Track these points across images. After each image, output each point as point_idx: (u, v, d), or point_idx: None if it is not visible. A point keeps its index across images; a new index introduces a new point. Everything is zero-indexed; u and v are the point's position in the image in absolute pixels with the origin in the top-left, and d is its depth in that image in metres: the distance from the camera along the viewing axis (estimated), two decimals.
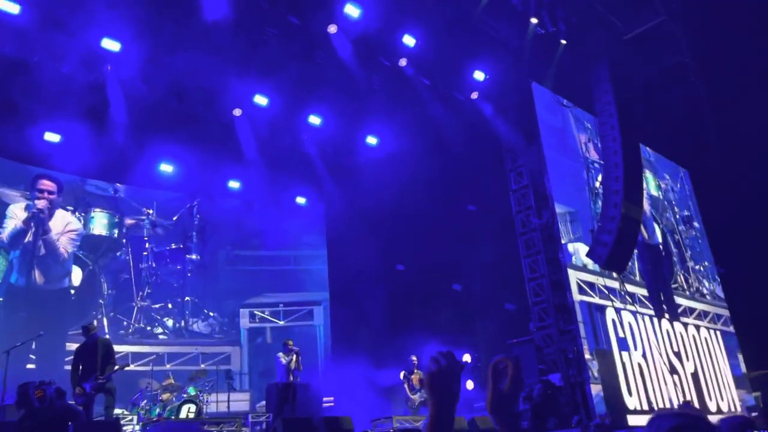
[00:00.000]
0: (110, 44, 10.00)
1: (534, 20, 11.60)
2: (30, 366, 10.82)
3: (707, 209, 17.21)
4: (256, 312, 14.21)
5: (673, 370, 12.83)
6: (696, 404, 12.89)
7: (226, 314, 13.94)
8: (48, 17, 9.45)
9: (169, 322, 13.26)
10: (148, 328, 12.96)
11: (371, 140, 14.05)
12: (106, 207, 13.05)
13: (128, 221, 13.27)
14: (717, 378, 14.15)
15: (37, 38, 9.74)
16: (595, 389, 11.05)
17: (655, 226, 15.00)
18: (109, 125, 11.34)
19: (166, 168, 13.13)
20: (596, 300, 12.18)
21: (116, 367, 8.50)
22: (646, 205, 14.00)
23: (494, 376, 1.69)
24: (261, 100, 12.02)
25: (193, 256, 13.81)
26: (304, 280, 15.09)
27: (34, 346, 9.91)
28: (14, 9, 9.07)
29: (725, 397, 14.08)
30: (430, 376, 1.67)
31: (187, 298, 13.55)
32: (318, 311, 14.83)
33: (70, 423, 6.65)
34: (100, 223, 12.84)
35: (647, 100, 14.39)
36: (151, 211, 13.48)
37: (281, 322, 14.38)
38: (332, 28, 10.84)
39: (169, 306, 13.38)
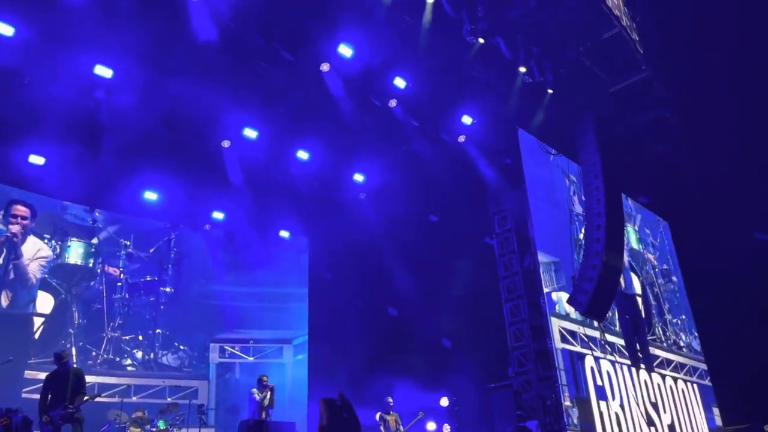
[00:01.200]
0: (103, 71, 10.03)
1: (522, 69, 11.88)
2: None
3: (687, 262, 17.44)
4: (226, 347, 14.21)
5: (650, 422, 12.77)
6: None
7: (196, 348, 13.88)
8: (42, 41, 9.46)
9: (139, 354, 13.14)
10: (117, 359, 12.81)
11: (358, 177, 14.13)
12: (83, 236, 13.04)
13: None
14: (693, 431, 14.11)
15: (29, 61, 9.73)
16: None
17: (634, 277, 15.16)
18: (96, 150, 11.28)
19: (151, 196, 13.06)
20: (578, 348, 12.20)
21: (86, 398, 8.24)
22: (625, 256, 14.16)
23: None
24: (250, 133, 12.07)
25: (167, 289, 13.83)
26: (279, 317, 15.08)
27: None
28: (8, 31, 9.08)
29: None
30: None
31: (158, 330, 13.49)
32: (287, 349, 14.85)
33: None
34: (76, 252, 12.85)
35: (630, 152, 14.72)
36: (128, 243, 13.53)
37: (251, 359, 14.37)
38: (325, 67, 10.99)
39: (140, 338, 13.29)
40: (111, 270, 13.25)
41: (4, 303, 11.58)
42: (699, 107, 14.43)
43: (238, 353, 14.30)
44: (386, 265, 14.96)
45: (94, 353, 12.53)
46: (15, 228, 11.76)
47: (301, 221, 15.07)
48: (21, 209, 11.99)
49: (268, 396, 9.90)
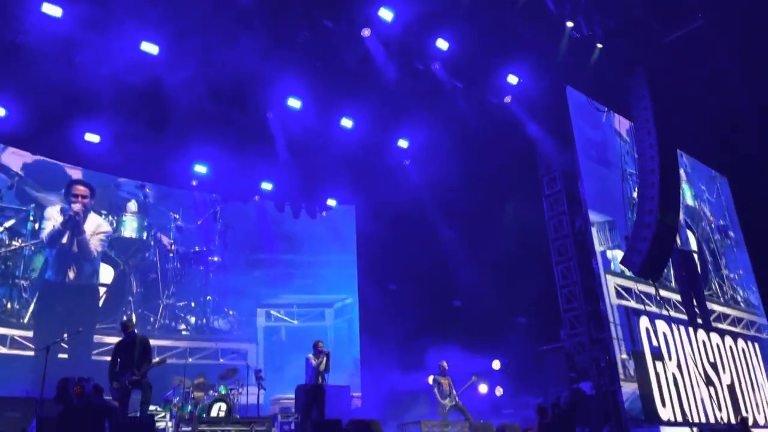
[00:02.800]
0: (149, 47, 10.19)
1: (570, 24, 11.46)
2: (62, 356, 11.44)
3: (746, 216, 16.89)
4: (272, 312, 14.98)
5: (709, 382, 12.57)
6: (732, 417, 12.61)
7: (244, 313, 14.59)
8: (89, 20, 9.63)
9: (192, 320, 14.00)
10: (173, 324, 13.71)
11: (403, 143, 14.04)
12: (136, 211, 13.78)
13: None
14: (754, 390, 13.84)
15: (78, 41, 9.94)
16: (632, 387, 11.05)
17: (690, 234, 14.77)
18: (147, 126, 11.59)
19: (201, 169, 13.39)
20: (633, 304, 12.06)
21: (155, 361, 8.64)
22: (681, 214, 13.75)
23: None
24: (294, 102, 12.11)
25: (215, 258, 14.53)
26: (321, 282, 15.52)
27: (66, 337, 10.44)
28: (57, 12, 9.30)
29: (762, 410, 13.76)
30: None
31: (208, 297, 14.28)
32: (329, 313, 15.51)
33: (106, 419, 6.78)
34: (130, 226, 13.72)
35: (685, 106, 14.10)
36: (177, 216, 14.19)
37: (295, 322, 15.08)
38: (366, 32, 10.86)
39: (192, 304, 14.11)
40: (164, 239, 13.88)
41: (71, 275, 12.53)
42: (758, 56, 13.64)
43: (283, 317, 15.02)
44: (434, 229, 14.98)
45: (152, 319, 13.40)
46: (77, 207, 12.61)
47: (348, 188, 15.16)
48: (81, 189, 12.82)
49: (324, 361, 10.10)
